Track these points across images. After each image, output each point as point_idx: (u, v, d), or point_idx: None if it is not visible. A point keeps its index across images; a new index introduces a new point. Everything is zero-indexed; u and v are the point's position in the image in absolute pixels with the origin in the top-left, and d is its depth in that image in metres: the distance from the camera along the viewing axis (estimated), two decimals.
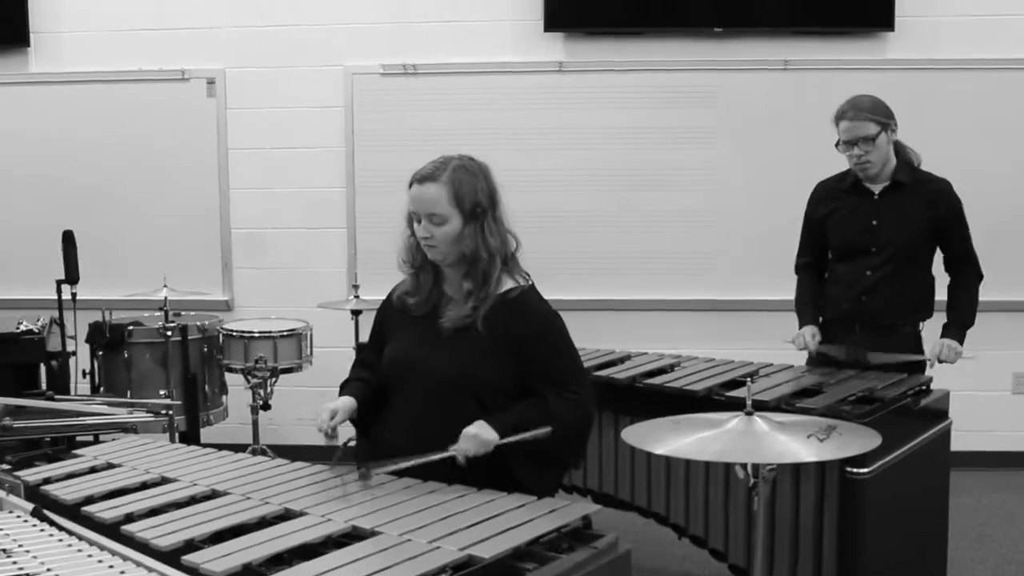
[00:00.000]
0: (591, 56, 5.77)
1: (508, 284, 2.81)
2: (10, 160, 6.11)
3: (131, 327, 5.10)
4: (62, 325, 4.90)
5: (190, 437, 4.91)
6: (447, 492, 2.55)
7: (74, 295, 4.72)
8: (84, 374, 5.15)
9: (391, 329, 2.96)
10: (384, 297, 3.04)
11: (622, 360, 4.02)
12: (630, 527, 3.95)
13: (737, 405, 3.06)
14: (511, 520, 2.31)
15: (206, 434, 5.10)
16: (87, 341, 5.12)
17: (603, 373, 3.79)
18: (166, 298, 5.04)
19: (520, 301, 2.79)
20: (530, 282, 2.87)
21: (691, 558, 4.40)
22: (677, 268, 5.83)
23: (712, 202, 5.77)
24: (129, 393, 5.00)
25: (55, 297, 4.88)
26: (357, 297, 5.27)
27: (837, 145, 3.82)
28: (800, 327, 4.00)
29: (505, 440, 2.65)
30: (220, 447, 3.03)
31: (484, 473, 2.62)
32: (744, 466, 2.27)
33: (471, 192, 2.75)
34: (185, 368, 5.05)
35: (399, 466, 2.63)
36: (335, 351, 5.25)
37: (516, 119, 5.85)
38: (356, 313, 5.24)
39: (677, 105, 5.72)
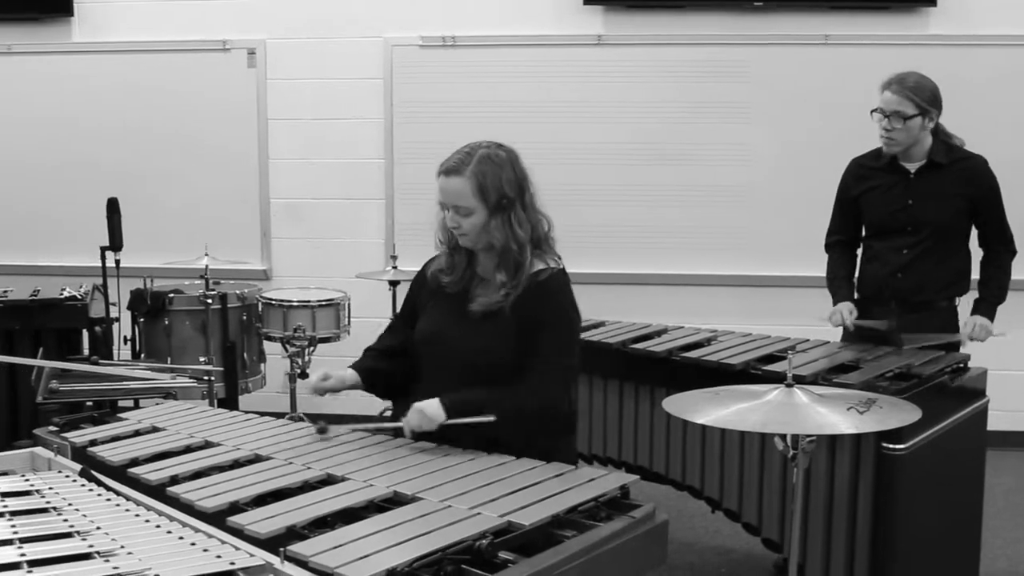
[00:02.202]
0: (630, 29, 5.75)
1: (539, 266, 2.83)
2: (54, 129, 6.18)
3: (172, 295, 5.16)
4: (105, 292, 4.97)
5: (229, 404, 4.97)
6: (487, 460, 2.58)
7: (117, 262, 4.78)
8: (125, 340, 5.23)
9: (423, 303, 3.01)
10: (419, 269, 3.08)
11: (659, 333, 4.03)
12: (663, 500, 3.95)
13: (774, 379, 3.11)
14: (550, 488, 2.34)
15: (244, 401, 5.16)
16: (129, 308, 5.19)
17: (640, 346, 3.81)
18: (207, 266, 5.10)
19: (546, 285, 2.80)
20: (560, 266, 2.88)
21: (723, 532, 4.42)
22: (711, 243, 5.82)
23: (747, 177, 5.74)
24: (169, 360, 5.07)
25: (100, 264, 4.94)
26: (395, 268, 5.30)
27: (874, 111, 3.80)
28: (835, 303, 3.99)
29: (450, 421, 2.69)
30: (258, 415, 3.08)
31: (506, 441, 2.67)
32: (783, 437, 2.28)
33: (496, 184, 2.75)
34: (224, 336, 5.11)
35: (354, 427, 2.81)
36: (372, 321, 5.28)
37: (554, 92, 5.85)
38: (394, 284, 5.27)
39: (715, 79, 5.70)
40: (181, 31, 6.08)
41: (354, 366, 3.00)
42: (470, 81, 5.92)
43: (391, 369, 3.00)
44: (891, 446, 3.07)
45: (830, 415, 2.23)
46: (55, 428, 2.89)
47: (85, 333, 4.86)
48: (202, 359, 5.01)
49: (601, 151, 5.83)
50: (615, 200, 5.86)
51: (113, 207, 4.74)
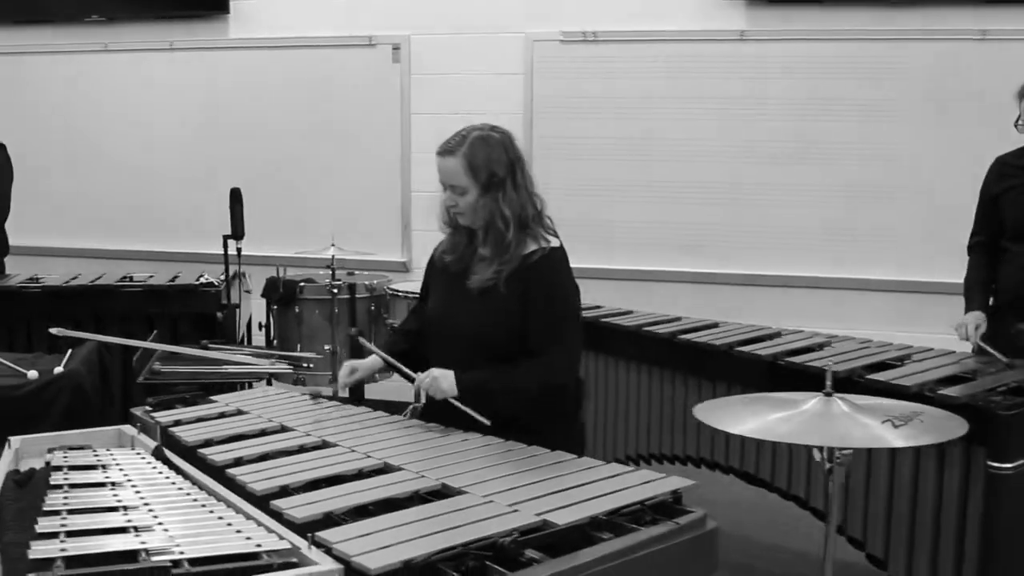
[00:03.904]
0: (774, 24, 5.57)
1: (532, 247, 2.90)
2: (208, 120, 6.45)
3: (303, 284, 5.29)
4: (239, 279, 5.14)
5: (354, 391, 5.07)
6: (547, 458, 2.54)
7: (239, 250, 4.93)
8: (260, 327, 5.41)
9: (432, 285, 3.16)
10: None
11: (770, 337, 3.90)
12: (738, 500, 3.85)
13: (882, 390, 2.99)
14: (599, 489, 2.28)
15: (371, 390, 5.25)
16: (263, 295, 5.36)
17: (747, 349, 3.68)
18: (333, 257, 5.20)
19: (538, 264, 2.88)
20: (553, 244, 2.93)
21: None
22: (852, 246, 5.58)
23: (890, 178, 5.48)
24: (300, 347, 5.21)
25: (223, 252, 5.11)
26: None
27: (1016, 122, 3.58)
28: (966, 311, 3.78)
29: (457, 404, 2.80)
30: (380, 404, 3.18)
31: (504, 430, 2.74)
32: (820, 449, 2.16)
33: (486, 163, 2.86)
34: (351, 325, 5.20)
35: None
36: None
37: (695, 88, 5.73)
38: None
39: (861, 76, 5.46)
40: (329, 27, 6.24)
41: (379, 352, 3.14)
42: (610, 76, 5.86)
43: (412, 349, 3.13)
44: (997, 465, 2.87)
45: (865, 427, 2.09)
46: (149, 408, 3.00)
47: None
48: (327, 347, 5.12)
49: (740, 149, 5.69)
50: (753, 199, 5.70)
51: (236, 197, 4.88)
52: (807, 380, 3.34)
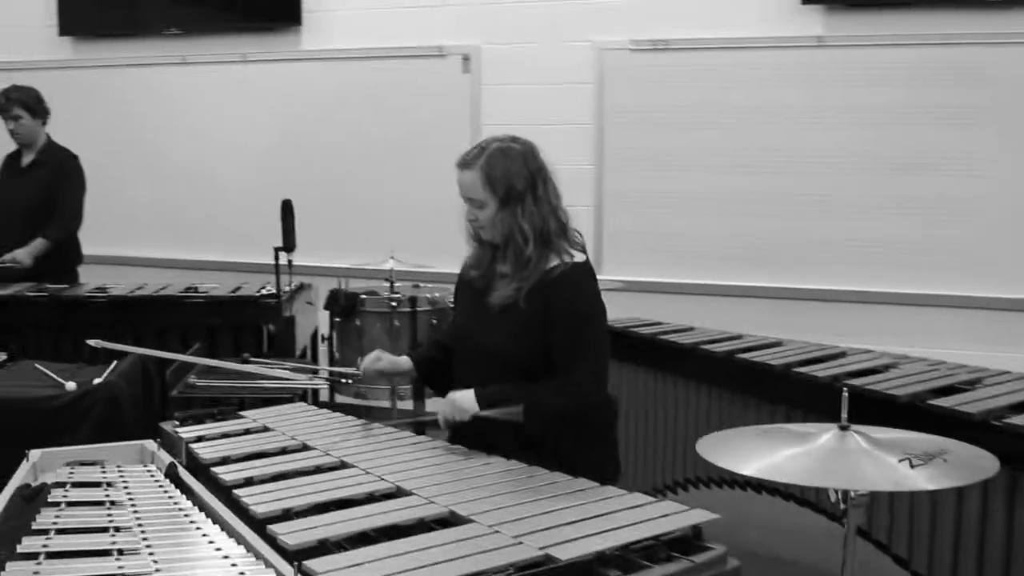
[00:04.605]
0: (852, 30, 5.34)
1: (554, 262, 2.80)
2: (279, 131, 6.46)
3: (364, 296, 5.24)
4: (302, 292, 5.11)
5: (416, 403, 5.02)
6: (567, 485, 2.41)
7: (290, 262, 4.88)
8: (322, 339, 5.37)
9: (459, 300, 3.12)
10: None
11: (835, 357, 3.70)
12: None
13: (945, 417, 2.83)
14: (615, 521, 2.14)
15: (432, 404, 5.16)
16: (325, 308, 5.31)
17: (804, 370, 3.49)
18: (392, 269, 5.14)
19: (559, 279, 2.78)
20: (575, 259, 2.83)
21: None
22: (931, 259, 5.31)
23: (977, 189, 5.20)
24: (360, 360, 5.14)
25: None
26: None
27: None
28: None
29: (483, 413, 2.74)
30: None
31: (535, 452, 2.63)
32: (835, 489, 1.99)
33: (504, 176, 2.77)
34: (413, 339, 5.13)
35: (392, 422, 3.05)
36: None
37: (770, 97, 5.52)
38: None
39: (944, 83, 5.18)
40: (400, 38, 6.19)
41: (411, 354, 3.14)
42: (682, 85, 5.69)
43: (444, 361, 3.05)
44: None
45: (882, 466, 1.90)
46: (175, 422, 2.95)
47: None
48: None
49: (818, 159, 5.46)
50: (830, 211, 5.46)
51: (287, 209, 4.84)
52: (866, 404, 3.15)
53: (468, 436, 2.79)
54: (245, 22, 6.49)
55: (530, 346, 2.77)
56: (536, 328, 2.76)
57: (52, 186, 5.41)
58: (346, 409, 3.21)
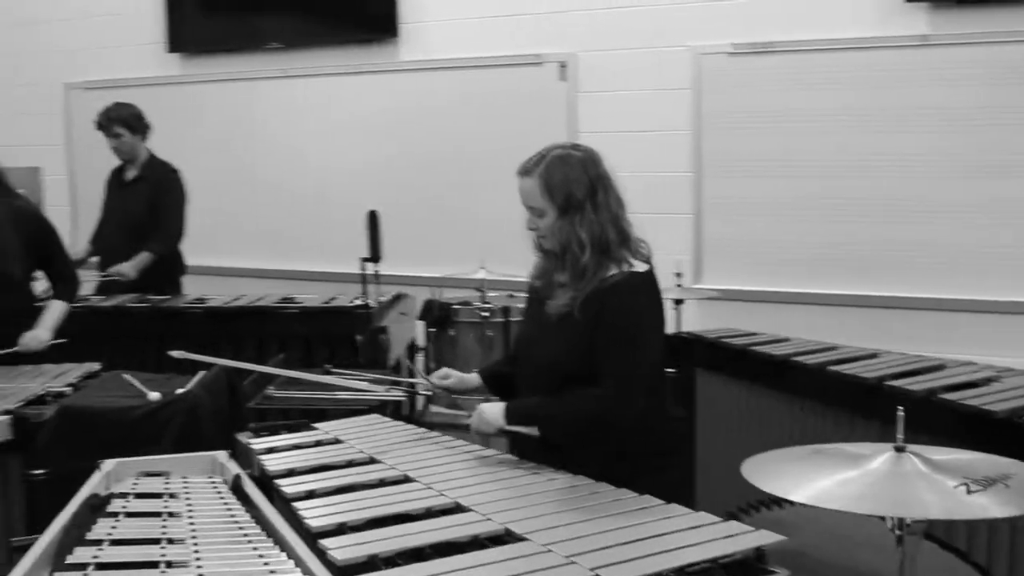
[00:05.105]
0: (960, 28, 5.13)
1: (612, 271, 2.73)
2: (378, 142, 6.51)
3: (457, 306, 5.22)
4: (395, 302, 5.12)
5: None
6: (630, 503, 2.33)
7: (376, 273, 4.89)
8: (416, 349, 5.37)
9: (526, 309, 3.08)
10: None
11: (932, 369, 3.53)
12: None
13: None
14: (674, 541, 2.06)
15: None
16: (420, 317, 5.32)
17: (898, 383, 3.34)
18: (483, 279, 5.11)
19: (614, 288, 2.70)
20: (636, 269, 2.74)
21: None
22: None
23: None
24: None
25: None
26: (679, 286, 5.03)
27: None
28: None
29: (509, 428, 2.75)
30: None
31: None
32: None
33: (563, 185, 2.72)
34: (505, 349, 5.09)
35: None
36: None
37: (874, 98, 5.34)
38: (678, 302, 5.01)
39: None
40: (496, 46, 6.19)
41: (480, 369, 3.12)
42: (783, 89, 5.55)
43: (512, 374, 3.00)
44: None
45: (941, 492, 1.77)
46: (250, 434, 2.96)
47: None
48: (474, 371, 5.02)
49: (923, 162, 5.26)
50: (932, 216, 5.25)
51: (373, 220, 4.85)
52: (961, 420, 3.01)
53: (536, 449, 2.74)
54: (344, 35, 6.57)
55: (582, 357, 2.70)
56: (589, 338, 2.69)
57: (154, 200, 5.54)
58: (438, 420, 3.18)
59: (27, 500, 3.25)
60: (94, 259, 5.66)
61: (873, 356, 3.78)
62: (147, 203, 5.54)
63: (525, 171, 2.79)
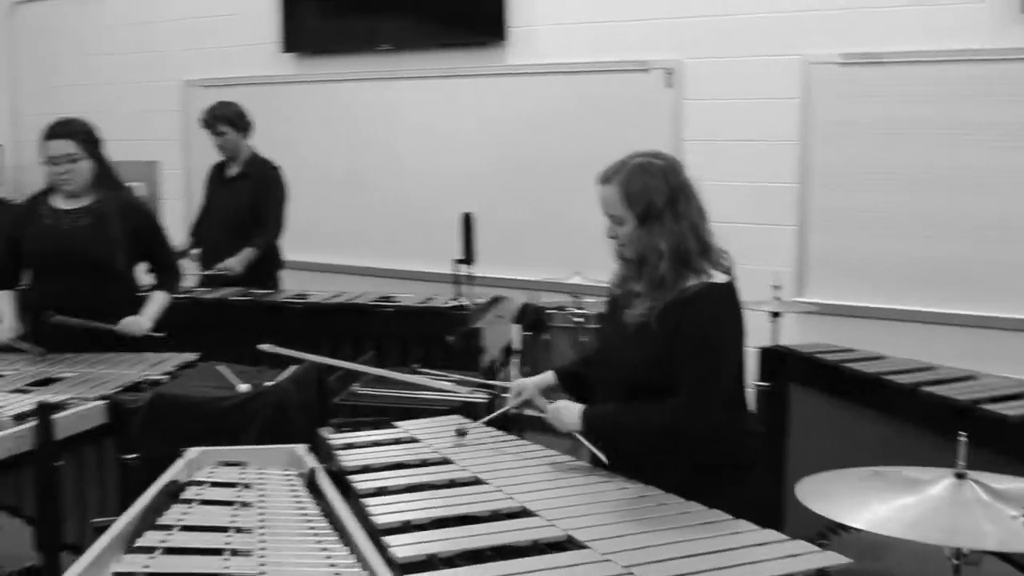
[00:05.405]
0: None
1: (691, 281, 2.70)
2: (482, 144, 6.55)
3: (551, 311, 5.23)
4: (492, 304, 5.15)
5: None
6: (697, 516, 2.31)
7: (470, 275, 4.92)
8: (511, 352, 5.39)
9: (605, 316, 3.06)
10: None
11: (1017, 396, 3.39)
12: None
13: None
14: (735, 558, 2.04)
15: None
16: (516, 321, 5.34)
17: (992, 407, 3.21)
18: (578, 285, 5.12)
19: (693, 299, 2.67)
20: (716, 280, 2.70)
21: None
22: None
23: None
24: None
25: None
26: (777, 299, 4.94)
27: None
28: None
29: (579, 438, 2.75)
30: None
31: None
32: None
33: (643, 193, 2.70)
34: None
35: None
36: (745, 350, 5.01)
37: (987, 112, 5.14)
38: (775, 315, 4.93)
39: None
40: (603, 52, 6.16)
41: (556, 368, 3.13)
42: (894, 100, 5.40)
43: (586, 375, 3.02)
44: None
45: (995, 520, 1.69)
46: (331, 429, 3.01)
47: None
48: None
49: None
50: None
51: (467, 222, 4.88)
52: None
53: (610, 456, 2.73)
54: (452, 38, 6.62)
55: (658, 368, 2.67)
56: (666, 349, 2.66)
57: (256, 196, 5.68)
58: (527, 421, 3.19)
59: (121, 482, 3.35)
60: (194, 251, 5.82)
61: (970, 378, 3.66)
62: (249, 199, 5.68)
63: (605, 179, 2.78)
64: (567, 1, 6.27)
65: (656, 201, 2.69)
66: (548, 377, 3.07)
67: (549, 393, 3.02)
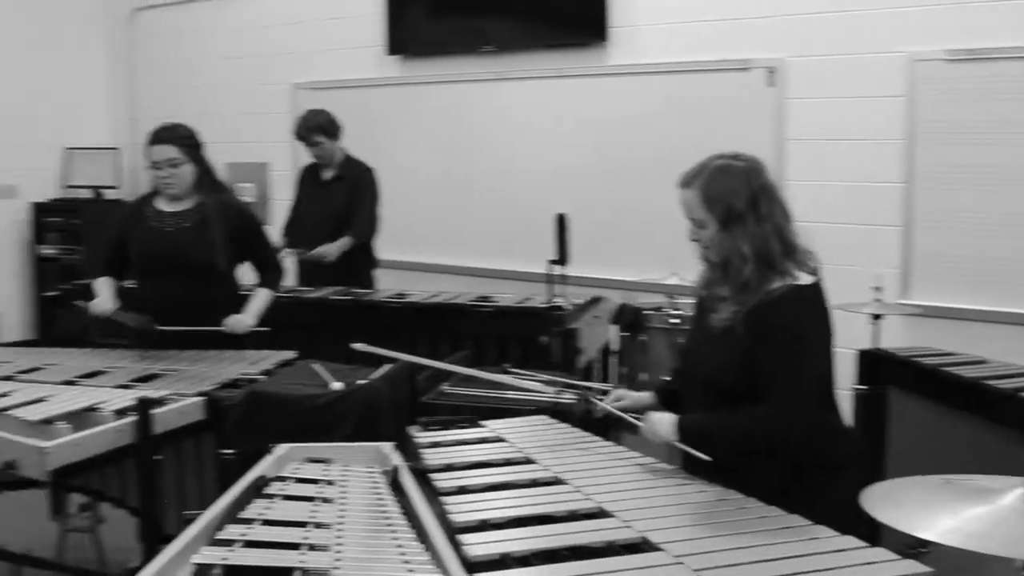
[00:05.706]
0: None
1: (776, 283, 2.65)
2: (583, 144, 6.56)
3: (648, 312, 5.21)
4: (590, 305, 5.16)
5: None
6: (776, 521, 2.29)
7: (563, 275, 4.93)
8: (609, 352, 5.39)
9: (692, 321, 3.03)
10: None
11: None
12: None
13: None
14: (810, 564, 2.01)
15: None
16: (613, 321, 5.34)
17: None
18: (675, 286, 5.08)
19: (778, 301, 2.64)
20: (802, 281, 2.65)
21: None
22: None
23: None
24: (647, 375, 5.14)
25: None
26: (878, 301, 4.84)
27: None
28: None
29: (677, 445, 2.69)
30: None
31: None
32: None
33: (723, 196, 2.67)
34: None
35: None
36: (847, 353, 4.90)
37: None
38: (876, 317, 4.83)
39: None
40: (704, 51, 6.12)
41: (656, 389, 3.07)
42: (1000, 98, 5.23)
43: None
44: None
45: None
46: (419, 427, 3.05)
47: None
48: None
49: None
50: None
51: (561, 223, 4.88)
52: None
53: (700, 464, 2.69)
54: (554, 39, 6.64)
55: (743, 372, 2.64)
56: (751, 353, 2.63)
57: (351, 198, 5.80)
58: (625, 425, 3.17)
59: (219, 476, 3.45)
60: (288, 251, 5.92)
61: None
62: (345, 202, 5.81)
63: (685, 182, 2.75)
64: (668, 1, 6.25)
65: (737, 204, 2.65)
66: (646, 397, 3.03)
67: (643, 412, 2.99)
